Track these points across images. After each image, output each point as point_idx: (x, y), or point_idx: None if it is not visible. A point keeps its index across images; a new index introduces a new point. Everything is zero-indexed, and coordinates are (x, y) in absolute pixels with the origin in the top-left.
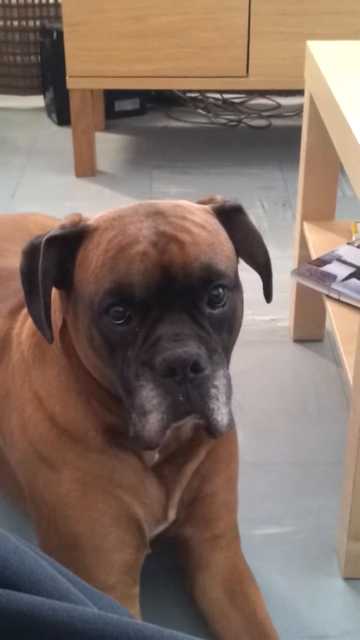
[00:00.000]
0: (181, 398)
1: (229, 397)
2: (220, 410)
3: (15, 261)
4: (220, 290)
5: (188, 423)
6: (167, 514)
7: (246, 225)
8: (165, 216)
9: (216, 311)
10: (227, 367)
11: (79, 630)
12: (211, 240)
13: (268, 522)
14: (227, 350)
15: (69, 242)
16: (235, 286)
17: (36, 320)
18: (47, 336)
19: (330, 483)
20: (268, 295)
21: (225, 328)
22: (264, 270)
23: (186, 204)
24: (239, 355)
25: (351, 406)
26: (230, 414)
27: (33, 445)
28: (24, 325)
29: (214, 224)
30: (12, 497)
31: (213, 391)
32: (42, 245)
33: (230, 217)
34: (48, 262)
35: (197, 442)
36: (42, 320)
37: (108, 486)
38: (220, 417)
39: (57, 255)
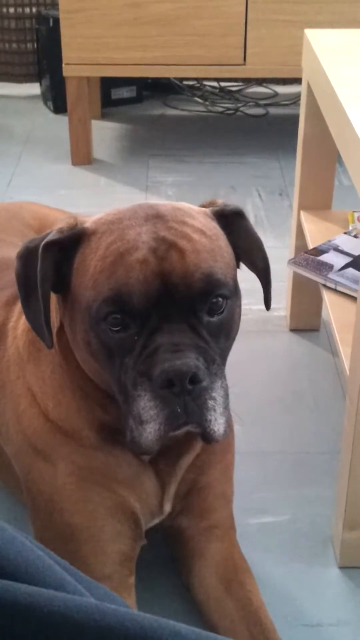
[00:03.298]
0: (179, 409)
1: (226, 407)
2: (218, 421)
3: (10, 251)
4: (220, 299)
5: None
6: (163, 507)
7: (246, 230)
8: (165, 220)
9: (215, 319)
10: (224, 377)
11: (77, 620)
12: (211, 246)
13: (263, 512)
14: (224, 357)
15: (66, 245)
16: (234, 294)
17: (34, 326)
18: (47, 342)
19: (326, 472)
20: (267, 302)
21: (222, 335)
22: (263, 275)
23: (186, 207)
24: (235, 344)
25: (347, 396)
26: (226, 422)
27: (28, 438)
28: (20, 319)
29: (214, 228)
30: (9, 487)
31: (211, 403)
32: (39, 250)
33: (231, 221)
34: (46, 267)
35: (193, 436)
36: (40, 325)
37: (103, 480)
38: (217, 427)
39: (55, 259)
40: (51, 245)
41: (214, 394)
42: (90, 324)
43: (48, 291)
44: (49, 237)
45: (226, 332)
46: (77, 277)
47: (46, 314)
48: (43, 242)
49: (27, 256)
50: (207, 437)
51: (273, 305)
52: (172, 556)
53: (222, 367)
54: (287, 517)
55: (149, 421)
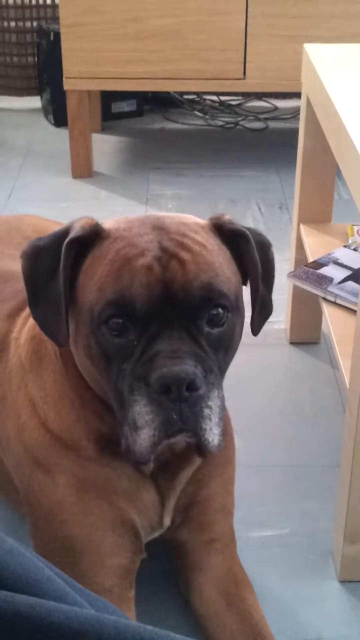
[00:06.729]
0: (174, 416)
1: (221, 418)
2: (212, 431)
3: (10, 263)
4: (220, 310)
5: (179, 441)
6: (163, 520)
7: (249, 254)
8: (168, 232)
9: (215, 331)
10: (222, 387)
11: (77, 631)
12: (211, 260)
13: (264, 525)
14: (222, 371)
15: (82, 245)
16: (235, 308)
17: (42, 324)
18: (60, 338)
19: (326, 485)
20: (253, 327)
21: (222, 348)
22: (252, 300)
23: (191, 222)
24: (235, 357)
25: (347, 409)
26: (221, 434)
27: (28, 449)
28: (23, 330)
29: (215, 244)
30: (9, 499)
31: (206, 411)
32: (63, 246)
33: (236, 242)
34: (68, 263)
35: (191, 450)
36: (52, 322)
37: (103, 492)
38: (212, 437)
39: (72, 258)
40: (74, 242)
41: (210, 403)
42: (91, 328)
43: (68, 288)
44: (73, 235)
45: (225, 346)
46: (84, 279)
47: (66, 311)
48: (68, 238)
49: (37, 254)
50: (201, 448)
51: (273, 318)
52: (172, 569)
53: (220, 378)
54: (288, 530)
55: (144, 427)
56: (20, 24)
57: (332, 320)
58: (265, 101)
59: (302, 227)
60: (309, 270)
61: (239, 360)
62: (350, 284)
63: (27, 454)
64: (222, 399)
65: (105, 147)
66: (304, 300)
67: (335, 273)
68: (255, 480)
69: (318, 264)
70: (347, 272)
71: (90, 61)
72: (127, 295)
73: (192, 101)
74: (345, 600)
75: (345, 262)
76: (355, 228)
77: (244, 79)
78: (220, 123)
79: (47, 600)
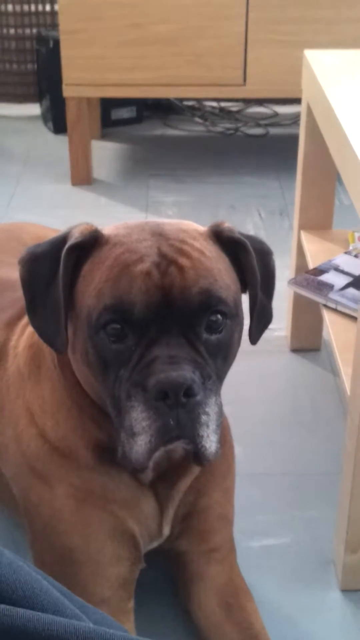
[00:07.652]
0: (171, 422)
1: (218, 425)
2: (210, 438)
3: (9, 271)
4: (219, 316)
5: (177, 448)
6: (162, 530)
7: (247, 262)
8: (167, 238)
9: (213, 337)
10: (220, 395)
11: None
12: (210, 266)
13: (264, 534)
14: (220, 377)
15: (81, 251)
16: (235, 315)
17: (41, 331)
18: (58, 344)
19: (327, 494)
20: (251, 336)
21: (220, 355)
22: (252, 310)
23: (190, 228)
24: (235, 364)
25: (348, 416)
26: (218, 441)
27: (27, 459)
28: (21, 338)
29: (214, 251)
30: (8, 508)
31: (204, 418)
32: (63, 252)
33: (236, 250)
34: (68, 270)
35: (190, 459)
36: (51, 328)
37: (101, 502)
38: (209, 444)
39: (72, 264)
40: (74, 248)
41: (207, 409)
42: (89, 333)
43: (67, 294)
44: (73, 241)
45: (224, 353)
46: (83, 285)
47: (65, 317)
48: (68, 245)
49: (34, 260)
50: (198, 455)
51: (273, 325)
52: (171, 579)
53: (218, 385)
54: (288, 539)
55: (141, 433)
56: (20, 31)
57: (333, 327)
58: (265, 107)
59: (302, 233)
60: (310, 277)
61: (240, 367)
62: (351, 290)
63: (25, 464)
64: (220, 406)
65: (105, 154)
66: (305, 307)
67: (336, 280)
68: (256, 489)
69: (319, 271)
70: (348, 279)
71: (90, 68)
72: (126, 300)
73: (192, 107)
74: (346, 609)
75: (346, 269)
76: (356, 234)
77: (244, 85)
78: (221, 129)
79: (44, 614)
